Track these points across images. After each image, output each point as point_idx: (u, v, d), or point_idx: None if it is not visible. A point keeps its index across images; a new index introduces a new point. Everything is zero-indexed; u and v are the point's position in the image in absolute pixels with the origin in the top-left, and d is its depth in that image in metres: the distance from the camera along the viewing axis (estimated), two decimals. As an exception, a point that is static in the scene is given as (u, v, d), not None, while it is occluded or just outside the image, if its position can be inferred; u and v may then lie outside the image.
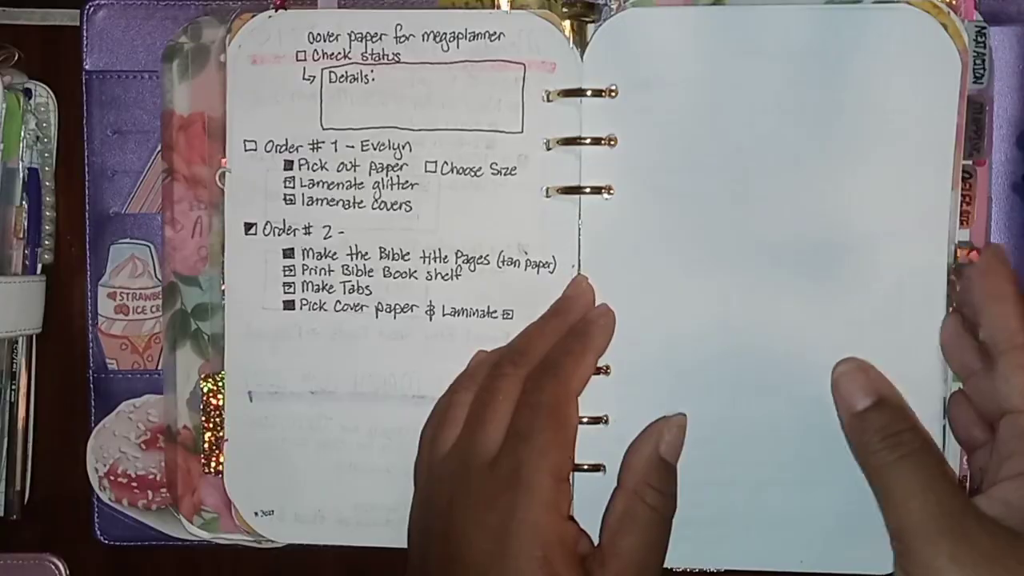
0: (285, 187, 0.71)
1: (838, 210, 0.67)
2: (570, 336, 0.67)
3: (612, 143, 0.68)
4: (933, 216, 0.67)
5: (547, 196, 0.69)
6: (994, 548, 0.54)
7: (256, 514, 0.72)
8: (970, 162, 0.70)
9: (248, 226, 0.72)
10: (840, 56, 0.67)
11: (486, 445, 0.63)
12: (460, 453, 0.64)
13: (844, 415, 0.63)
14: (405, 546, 0.69)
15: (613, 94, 0.68)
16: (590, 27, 0.70)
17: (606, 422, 0.69)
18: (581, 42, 0.69)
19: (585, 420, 0.67)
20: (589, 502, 0.66)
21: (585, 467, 0.68)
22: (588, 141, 0.69)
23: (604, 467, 0.68)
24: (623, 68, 0.68)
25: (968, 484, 0.66)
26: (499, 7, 0.71)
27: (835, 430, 0.63)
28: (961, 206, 0.69)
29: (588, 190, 0.68)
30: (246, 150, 0.71)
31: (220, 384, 0.73)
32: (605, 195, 0.68)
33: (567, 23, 0.70)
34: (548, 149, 0.69)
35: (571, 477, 0.65)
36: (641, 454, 0.65)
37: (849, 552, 0.68)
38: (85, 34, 0.75)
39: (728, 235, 0.68)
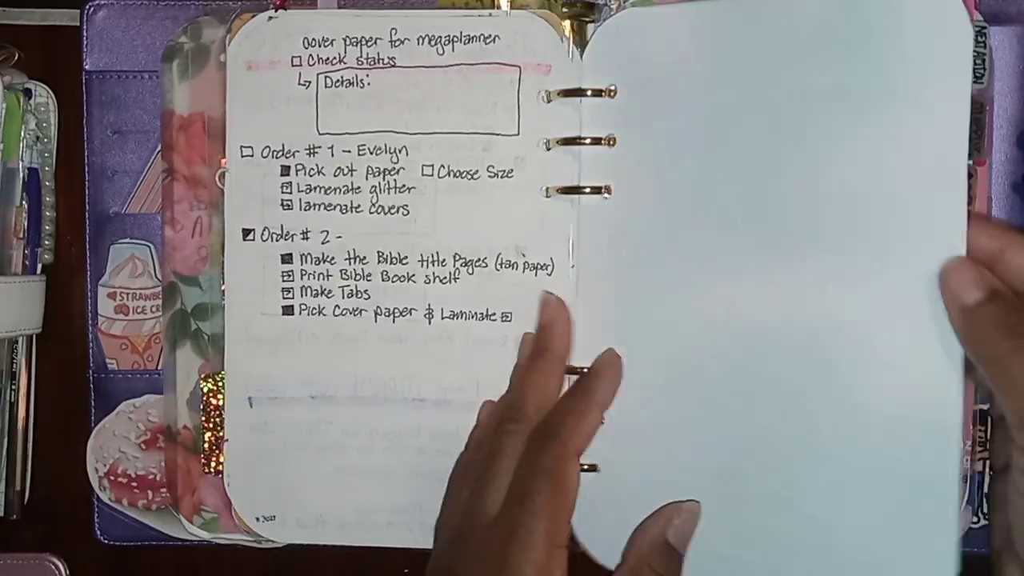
0: (282, 192, 0.71)
1: (846, 206, 0.66)
2: (574, 392, 0.67)
3: (611, 143, 0.68)
4: (951, 197, 0.66)
5: (547, 196, 0.69)
6: None
7: (258, 519, 0.73)
8: (970, 162, 0.69)
9: (246, 232, 0.72)
10: (845, 46, 0.66)
11: (488, 505, 0.63)
12: (466, 512, 0.64)
13: (955, 310, 0.59)
14: (406, 546, 0.69)
15: (612, 94, 0.68)
16: (590, 27, 0.70)
17: (602, 422, 0.68)
18: (581, 42, 0.69)
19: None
20: (585, 502, 0.65)
21: (584, 467, 0.68)
22: (588, 141, 0.68)
23: (598, 466, 0.68)
24: (623, 68, 0.68)
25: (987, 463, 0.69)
26: (499, 7, 0.71)
27: (872, 447, 0.62)
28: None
29: (588, 190, 0.68)
30: (243, 156, 0.71)
31: (220, 384, 0.73)
32: (604, 195, 0.68)
33: (567, 23, 0.69)
34: (548, 149, 0.69)
35: (564, 543, 0.63)
36: (647, 535, 0.64)
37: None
38: (85, 34, 0.75)
39: (732, 235, 0.68)
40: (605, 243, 0.69)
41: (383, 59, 0.70)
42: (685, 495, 0.65)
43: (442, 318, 0.71)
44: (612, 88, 0.68)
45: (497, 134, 0.70)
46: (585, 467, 0.67)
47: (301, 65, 0.71)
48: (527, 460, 0.63)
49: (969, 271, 0.60)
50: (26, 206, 0.75)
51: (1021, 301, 0.59)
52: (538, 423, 0.65)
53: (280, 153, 0.71)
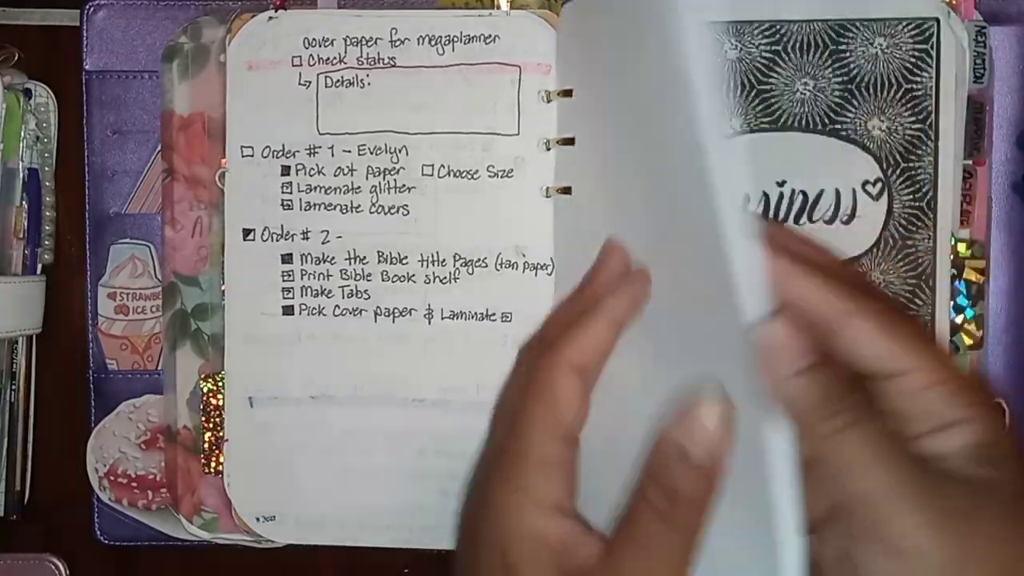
0: (282, 192, 0.71)
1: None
2: (580, 301, 0.60)
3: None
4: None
5: (547, 196, 0.69)
6: (959, 502, 0.50)
7: (258, 519, 0.73)
8: (970, 162, 0.70)
9: (246, 232, 0.72)
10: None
11: (493, 436, 0.57)
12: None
13: (771, 382, 0.51)
14: (405, 547, 0.69)
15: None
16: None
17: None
18: (580, 41, 0.70)
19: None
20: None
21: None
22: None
23: None
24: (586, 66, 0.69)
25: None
26: (499, 7, 0.71)
27: None
28: (961, 206, 0.69)
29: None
30: (243, 156, 0.71)
31: (220, 384, 0.73)
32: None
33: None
34: (548, 149, 0.69)
35: (566, 465, 0.54)
36: (662, 440, 0.52)
37: None
38: (85, 34, 0.75)
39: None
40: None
41: (383, 59, 0.70)
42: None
43: (442, 318, 0.71)
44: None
45: (497, 134, 0.70)
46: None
47: (301, 65, 0.71)
48: (522, 380, 0.56)
49: (788, 334, 0.51)
50: (26, 206, 0.75)
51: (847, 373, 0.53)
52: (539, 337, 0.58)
53: (280, 153, 0.71)
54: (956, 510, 0.49)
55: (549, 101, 0.69)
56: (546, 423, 0.54)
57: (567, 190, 0.69)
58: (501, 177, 0.70)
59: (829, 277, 0.54)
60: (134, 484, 0.75)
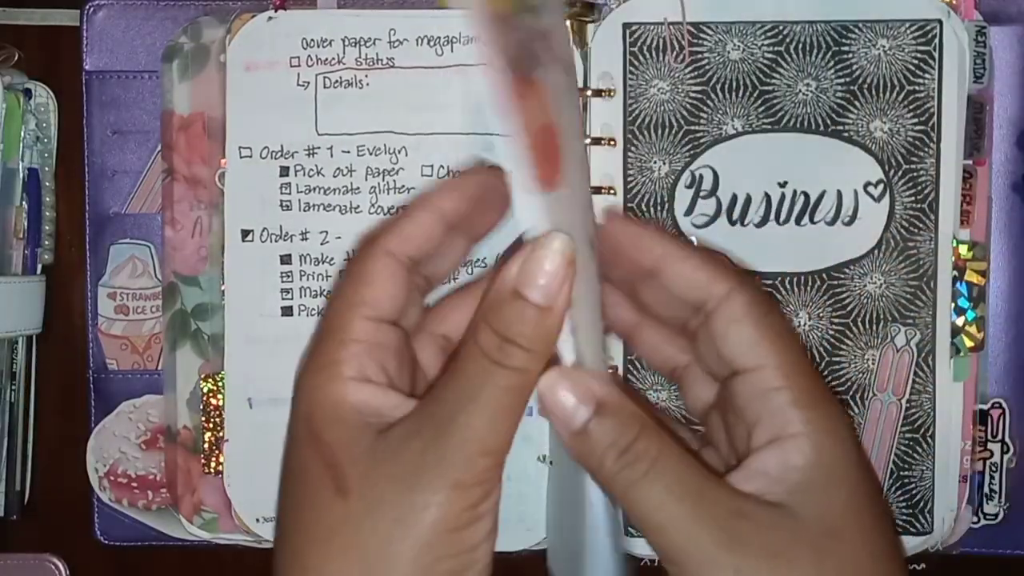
0: (281, 193, 0.71)
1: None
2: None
3: (612, 143, 0.68)
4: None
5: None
6: (771, 541, 0.49)
7: (258, 520, 0.73)
8: (970, 162, 0.70)
9: (245, 233, 0.71)
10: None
11: None
12: None
13: (565, 436, 0.50)
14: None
15: (612, 94, 0.68)
16: (590, 27, 0.70)
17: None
18: (581, 42, 0.69)
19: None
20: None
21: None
22: (588, 141, 0.69)
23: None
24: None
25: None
26: (499, 6, 0.71)
27: None
28: (961, 206, 0.69)
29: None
30: (241, 157, 0.71)
31: (220, 384, 0.73)
32: (606, 195, 0.69)
33: (567, 23, 0.69)
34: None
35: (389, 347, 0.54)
36: (496, 281, 0.50)
37: None
38: (85, 34, 0.75)
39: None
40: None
41: (382, 60, 0.70)
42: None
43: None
44: (612, 88, 0.68)
45: (497, 134, 0.69)
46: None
47: (300, 66, 0.71)
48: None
49: (566, 386, 0.50)
50: (26, 206, 0.75)
51: (631, 395, 0.54)
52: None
53: (279, 154, 0.71)
54: (771, 554, 0.49)
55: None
56: (352, 302, 0.53)
57: (598, 189, 0.69)
58: (501, 178, 0.70)
59: (707, 258, 0.55)
60: (134, 484, 0.75)
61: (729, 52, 0.69)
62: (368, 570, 0.48)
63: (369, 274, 0.53)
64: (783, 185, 0.69)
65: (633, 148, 0.69)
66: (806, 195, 0.69)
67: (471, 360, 0.49)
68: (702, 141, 0.69)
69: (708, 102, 0.69)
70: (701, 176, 0.69)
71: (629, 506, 0.50)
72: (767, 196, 0.69)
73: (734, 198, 0.69)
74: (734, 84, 0.69)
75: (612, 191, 0.69)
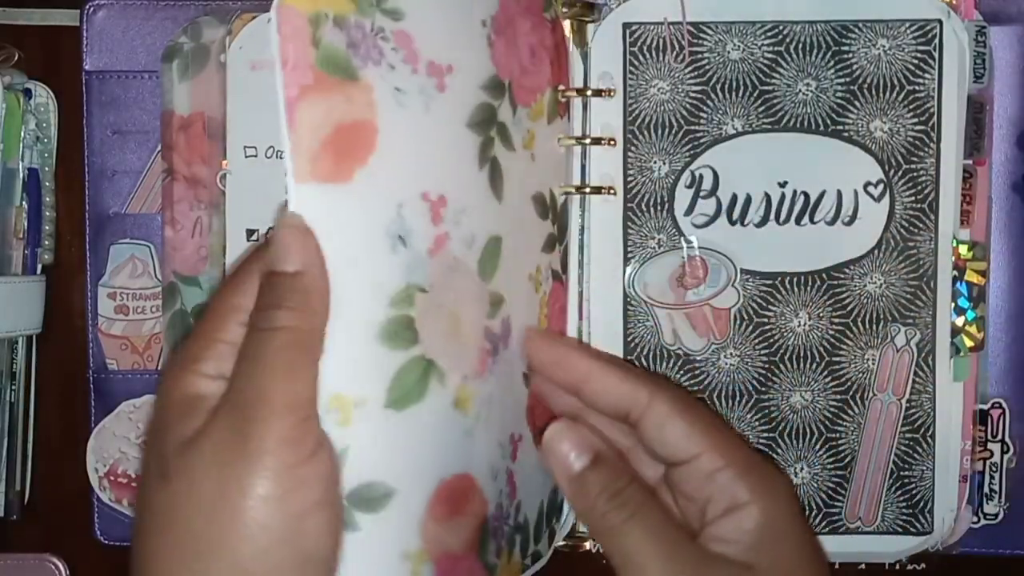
0: (287, 193, 0.71)
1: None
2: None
3: (612, 143, 0.68)
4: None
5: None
6: None
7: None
8: (970, 162, 0.70)
9: (250, 232, 0.72)
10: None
11: None
12: None
13: (563, 480, 0.60)
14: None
15: (612, 94, 0.68)
16: (590, 27, 0.70)
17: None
18: (581, 42, 0.69)
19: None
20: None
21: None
22: (589, 141, 0.69)
23: None
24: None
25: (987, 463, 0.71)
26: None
27: None
28: (961, 206, 0.69)
29: (588, 190, 0.68)
30: (247, 156, 0.71)
31: (220, 384, 0.72)
32: (606, 195, 0.69)
33: (567, 23, 0.69)
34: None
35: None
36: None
37: None
38: (85, 34, 0.75)
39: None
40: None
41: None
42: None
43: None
44: (612, 88, 0.68)
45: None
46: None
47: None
48: None
49: (570, 436, 0.59)
50: (26, 206, 0.75)
51: (618, 456, 0.61)
52: None
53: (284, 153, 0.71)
54: None
55: (550, 101, 0.69)
56: (227, 307, 0.53)
57: (598, 190, 0.69)
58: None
59: (626, 370, 0.61)
60: (134, 484, 0.75)
61: (729, 52, 0.69)
62: (197, 551, 0.49)
63: (246, 284, 0.53)
64: (783, 185, 0.69)
65: (633, 148, 0.69)
66: (806, 195, 0.69)
67: (248, 338, 0.51)
68: (702, 141, 0.69)
69: (708, 102, 0.69)
70: (701, 176, 0.69)
71: (613, 543, 0.57)
72: (767, 196, 0.69)
73: (734, 198, 0.69)
74: (734, 84, 0.69)
75: (612, 191, 0.69)
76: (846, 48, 0.68)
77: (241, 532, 0.48)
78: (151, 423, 0.53)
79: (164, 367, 0.54)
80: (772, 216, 0.69)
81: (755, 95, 0.69)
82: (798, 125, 0.68)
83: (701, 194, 0.69)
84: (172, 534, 0.50)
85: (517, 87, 0.62)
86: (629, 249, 0.70)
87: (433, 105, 0.56)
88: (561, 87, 0.68)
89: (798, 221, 0.69)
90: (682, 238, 0.69)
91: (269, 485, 0.48)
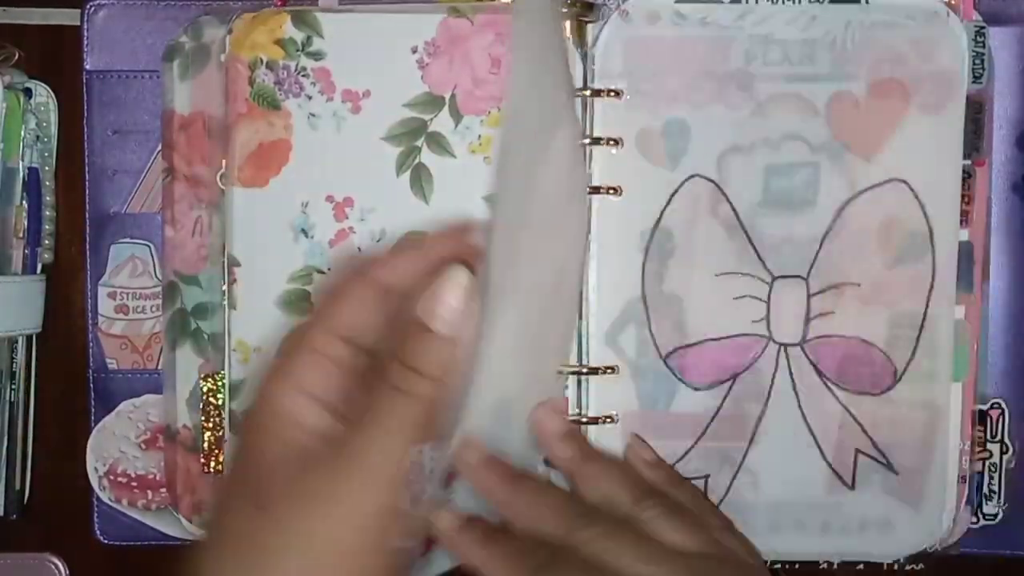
0: None
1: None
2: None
3: (613, 143, 0.69)
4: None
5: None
6: None
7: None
8: (970, 162, 0.70)
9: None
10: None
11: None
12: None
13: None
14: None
15: (615, 94, 0.68)
16: (590, 27, 0.70)
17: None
18: (581, 42, 0.69)
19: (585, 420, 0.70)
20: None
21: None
22: (588, 141, 0.69)
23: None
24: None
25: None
26: (499, 3, 0.71)
27: None
28: (961, 206, 0.69)
29: (587, 190, 0.69)
30: None
31: (220, 384, 0.73)
32: (612, 195, 0.69)
33: (567, 23, 0.69)
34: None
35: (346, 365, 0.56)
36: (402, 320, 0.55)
37: None
38: (85, 34, 0.75)
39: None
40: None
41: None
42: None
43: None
44: (614, 88, 0.68)
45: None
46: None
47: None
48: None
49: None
50: (26, 206, 0.75)
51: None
52: None
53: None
54: None
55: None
56: (324, 319, 0.55)
57: (598, 189, 0.69)
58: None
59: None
60: (134, 484, 0.75)
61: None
62: None
63: (354, 300, 0.55)
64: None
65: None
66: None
67: (378, 391, 0.52)
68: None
69: (708, 101, 0.69)
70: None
71: None
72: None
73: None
74: (734, 84, 0.69)
75: (614, 191, 0.69)
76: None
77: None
78: (245, 431, 0.54)
79: (268, 373, 0.54)
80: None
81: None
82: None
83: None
84: (257, 562, 0.51)
85: (465, 98, 0.71)
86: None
87: (345, 125, 0.71)
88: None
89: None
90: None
91: (349, 541, 0.51)
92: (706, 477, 0.70)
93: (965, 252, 0.69)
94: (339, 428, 0.53)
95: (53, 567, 0.77)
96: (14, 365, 0.76)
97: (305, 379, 0.53)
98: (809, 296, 0.69)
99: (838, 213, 0.68)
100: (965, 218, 0.70)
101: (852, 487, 0.70)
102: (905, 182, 0.68)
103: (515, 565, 0.56)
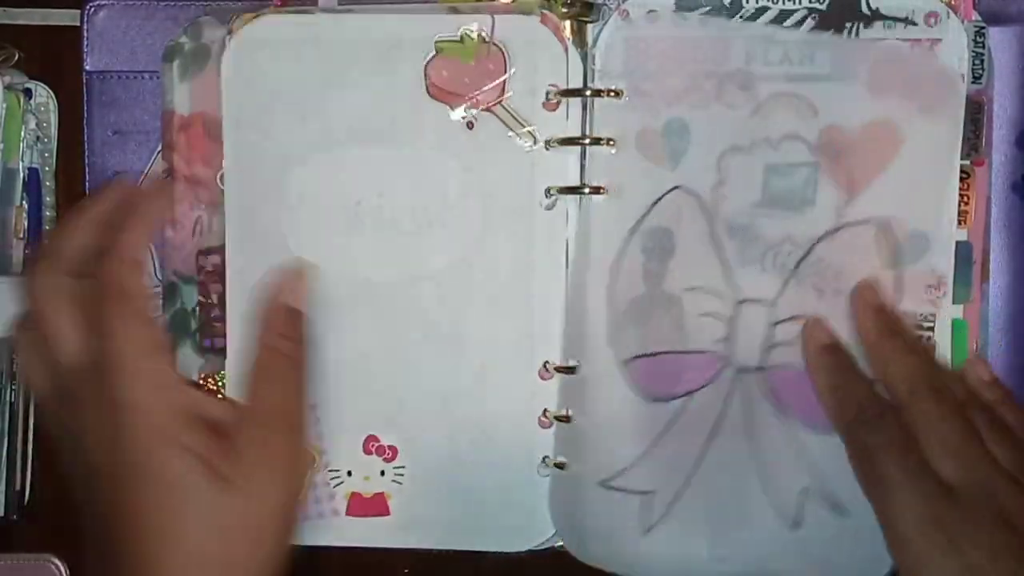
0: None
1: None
2: (117, 213, 0.65)
3: (611, 143, 0.69)
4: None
5: (548, 196, 0.69)
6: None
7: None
8: (969, 162, 0.69)
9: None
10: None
11: (67, 355, 0.60)
12: (43, 382, 0.62)
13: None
14: (407, 546, 0.69)
15: (614, 94, 0.68)
16: (590, 27, 0.70)
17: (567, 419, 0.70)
18: (581, 42, 0.69)
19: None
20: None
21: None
22: (588, 141, 0.69)
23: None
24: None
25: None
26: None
27: None
28: (960, 206, 0.69)
29: (588, 190, 0.69)
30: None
31: (220, 384, 0.72)
32: (604, 194, 0.69)
33: (567, 23, 0.69)
34: (547, 149, 0.69)
35: (166, 345, 0.65)
36: (269, 306, 0.67)
37: None
38: (85, 34, 0.75)
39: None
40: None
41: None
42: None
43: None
44: (613, 89, 0.68)
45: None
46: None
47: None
48: (89, 291, 0.61)
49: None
50: (26, 206, 0.75)
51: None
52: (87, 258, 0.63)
53: None
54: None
55: (551, 100, 0.69)
56: (136, 316, 0.61)
57: (597, 190, 0.69)
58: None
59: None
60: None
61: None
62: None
63: (137, 290, 0.63)
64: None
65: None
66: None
67: (268, 358, 0.66)
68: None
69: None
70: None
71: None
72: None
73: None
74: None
75: (606, 191, 0.69)
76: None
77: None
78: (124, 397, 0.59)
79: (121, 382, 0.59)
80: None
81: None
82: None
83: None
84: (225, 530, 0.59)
85: None
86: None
87: None
88: (551, 85, 0.69)
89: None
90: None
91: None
92: (647, 493, 0.70)
93: (964, 252, 0.69)
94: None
95: (53, 567, 0.77)
96: (14, 365, 0.76)
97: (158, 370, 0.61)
98: (775, 323, 0.68)
99: (837, 214, 0.68)
100: (963, 218, 0.69)
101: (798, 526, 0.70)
102: (903, 183, 0.67)
103: (844, 410, 0.63)
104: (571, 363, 0.70)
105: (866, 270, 0.68)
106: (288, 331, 0.66)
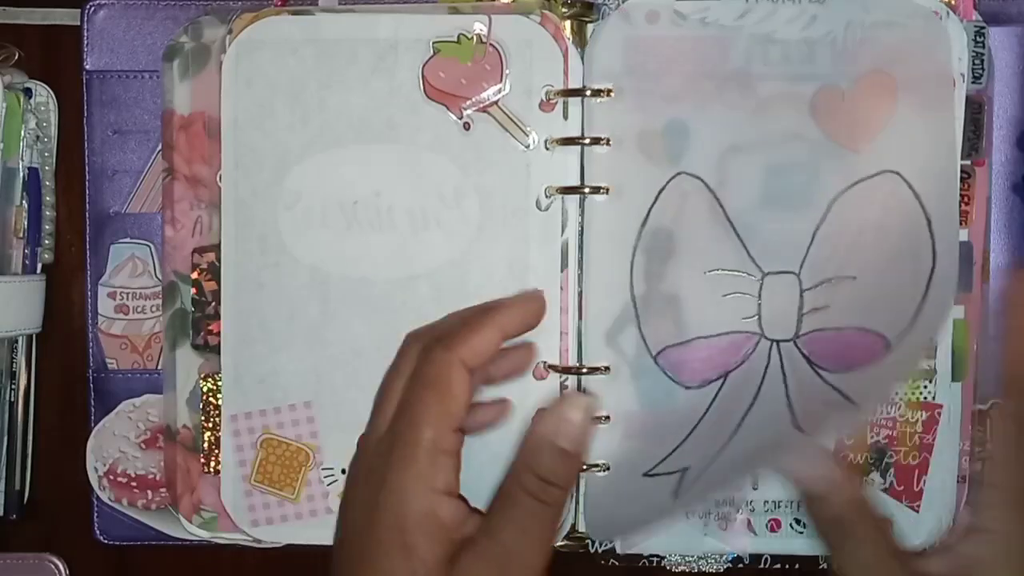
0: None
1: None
2: (474, 308, 0.67)
3: (610, 143, 0.69)
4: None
5: (547, 196, 0.69)
6: None
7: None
8: (969, 162, 0.69)
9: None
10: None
11: (379, 424, 0.62)
12: (363, 437, 0.63)
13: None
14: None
15: (611, 94, 0.68)
16: (590, 27, 0.70)
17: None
18: (581, 42, 0.69)
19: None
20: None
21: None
22: (588, 141, 0.69)
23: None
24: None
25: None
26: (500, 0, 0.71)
27: None
28: (960, 206, 0.69)
29: (588, 190, 0.69)
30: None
31: (220, 384, 0.72)
32: (603, 194, 0.69)
33: (567, 23, 0.69)
34: (547, 149, 0.69)
35: (459, 453, 0.62)
36: (534, 433, 0.60)
37: None
38: (85, 34, 0.75)
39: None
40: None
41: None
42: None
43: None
44: (611, 88, 0.68)
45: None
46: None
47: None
48: (414, 371, 0.61)
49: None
50: (26, 206, 0.75)
51: None
52: (432, 335, 0.63)
53: None
54: None
55: (550, 100, 0.69)
56: (440, 415, 0.59)
57: (597, 189, 0.69)
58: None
59: None
60: (134, 484, 0.75)
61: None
62: None
63: (453, 387, 0.60)
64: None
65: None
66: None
67: (520, 499, 0.59)
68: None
69: (708, 102, 0.69)
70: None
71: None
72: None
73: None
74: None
75: (606, 191, 0.69)
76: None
77: None
78: (390, 536, 0.58)
79: (385, 471, 0.60)
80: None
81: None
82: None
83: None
84: None
85: None
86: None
87: None
88: (549, 85, 0.69)
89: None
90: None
91: None
92: (684, 470, 0.69)
93: (965, 252, 0.69)
94: (470, 517, 0.60)
95: (53, 567, 0.78)
96: (14, 365, 0.76)
97: (438, 480, 0.58)
98: (802, 291, 0.68)
99: (829, 206, 0.67)
100: (964, 218, 0.69)
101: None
102: (900, 177, 0.67)
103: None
104: (603, 364, 0.70)
105: (889, 221, 0.67)
106: (547, 472, 0.59)
